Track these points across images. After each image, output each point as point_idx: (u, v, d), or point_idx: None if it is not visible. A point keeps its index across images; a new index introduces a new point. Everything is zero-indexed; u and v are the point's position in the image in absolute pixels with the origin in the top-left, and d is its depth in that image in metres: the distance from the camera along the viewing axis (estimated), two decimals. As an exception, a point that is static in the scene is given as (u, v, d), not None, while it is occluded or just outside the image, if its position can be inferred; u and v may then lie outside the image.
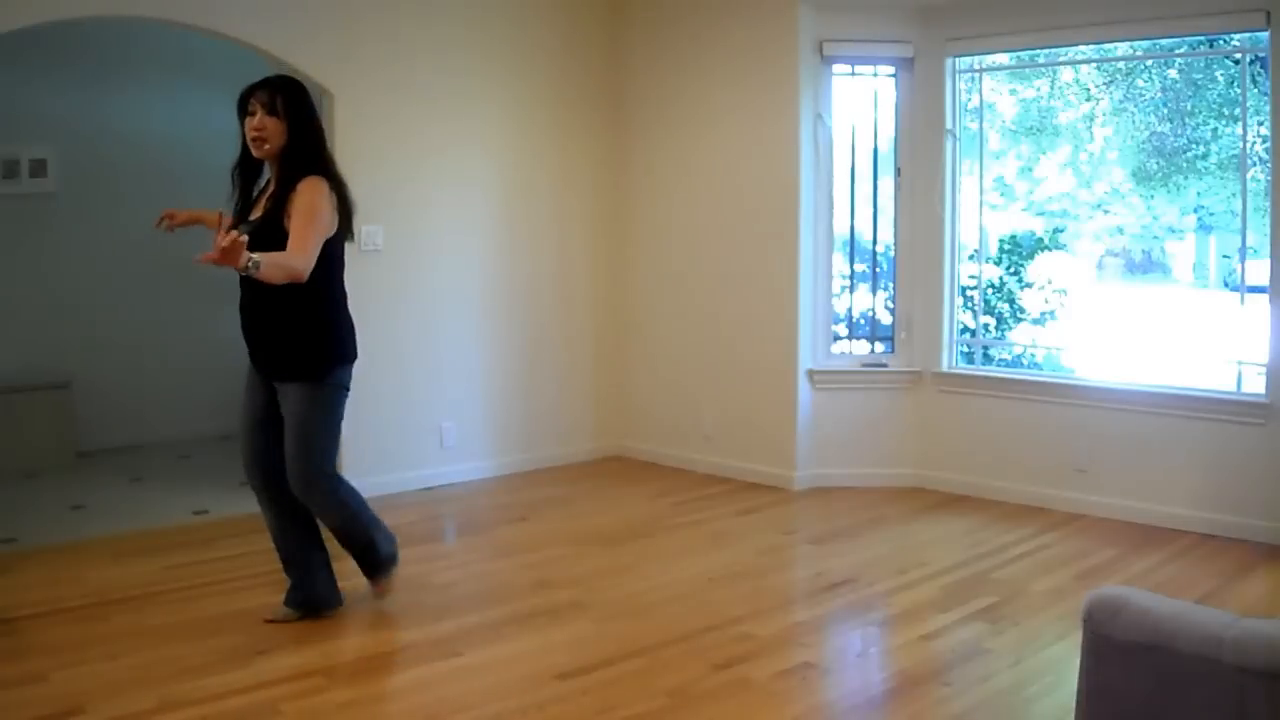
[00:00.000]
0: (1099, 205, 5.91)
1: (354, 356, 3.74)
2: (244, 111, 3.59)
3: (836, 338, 5.85)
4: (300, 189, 3.44)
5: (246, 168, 3.68)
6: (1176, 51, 5.31)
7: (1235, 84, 5.04)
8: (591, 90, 6.27)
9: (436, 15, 5.59)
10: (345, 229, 3.61)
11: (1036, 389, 5.37)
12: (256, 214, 3.60)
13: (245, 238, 3.19)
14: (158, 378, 6.80)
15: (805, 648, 3.57)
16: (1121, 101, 5.68)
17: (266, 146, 3.53)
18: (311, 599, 3.77)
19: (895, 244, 5.75)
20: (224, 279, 7.35)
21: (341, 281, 3.69)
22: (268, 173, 3.67)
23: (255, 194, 3.71)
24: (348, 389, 3.73)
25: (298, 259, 3.34)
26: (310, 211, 3.41)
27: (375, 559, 3.86)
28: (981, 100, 5.67)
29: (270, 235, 3.42)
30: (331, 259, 3.55)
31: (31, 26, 4.51)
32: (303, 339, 3.57)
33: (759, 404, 5.78)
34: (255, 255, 3.19)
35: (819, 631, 3.76)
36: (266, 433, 3.67)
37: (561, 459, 6.22)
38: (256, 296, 3.56)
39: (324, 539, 3.83)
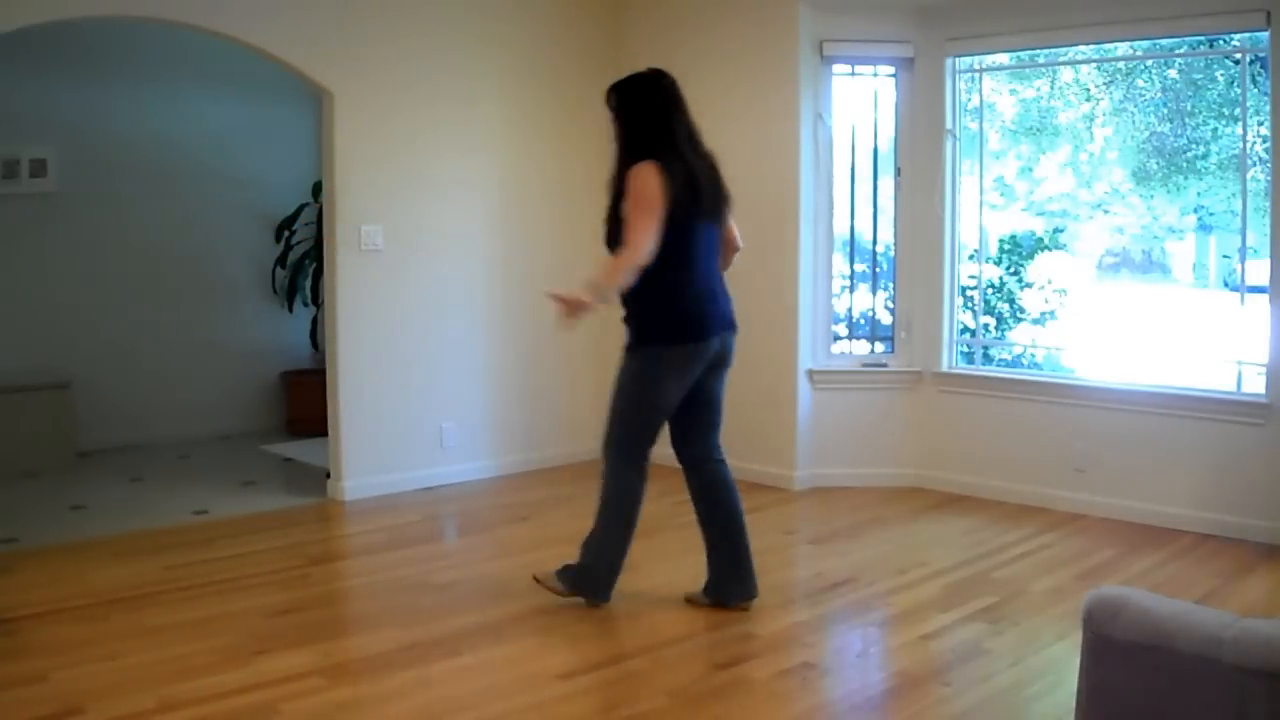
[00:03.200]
0: (1099, 205, 5.91)
1: (679, 340, 3.68)
2: None
3: (836, 338, 5.85)
4: (627, 179, 3.61)
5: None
6: (1176, 51, 5.31)
7: (1235, 84, 5.03)
8: (592, 89, 6.21)
9: (437, 16, 5.59)
10: (685, 211, 3.61)
11: (1036, 389, 5.37)
12: None
13: (560, 290, 3.51)
14: (158, 378, 6.80)
15: (805, 648, 3.57)
16: (1121, 101, 5.68)
17: (614, 143, 3.77)
18: (713, 587, 3.86)
19: (895, 244, 5.75)
20: (223, 279, 7.38)
21: (680, 265, 3.65)
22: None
23: None
24: (674, 372, 3.70)
25: (626, 250, 3.51)
26: (634, 197, 3.55)
27: (584, 569, 3.84)
28: (981, 100, 5.67)
29: (612, 223, 3.69)
30: (664, 241, 3.56)
31: (31, 26, 4.50)
32: (632, 312, 3.72)
33: (759, 404, 5.78)
34: (594, 282, 3.49)
35: (819, 631, 3.76)
36: (680, 414, 3.85)
37: (561, 459, 6.22)
38: None
39: (741, 531, 3.84)
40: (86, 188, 6.48)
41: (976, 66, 5.58)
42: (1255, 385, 4.77)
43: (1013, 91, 5.93)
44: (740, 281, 5.81)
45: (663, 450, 6.24)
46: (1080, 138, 5.87)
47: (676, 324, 3.64)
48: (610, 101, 3.76)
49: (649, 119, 3.68)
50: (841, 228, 5.80)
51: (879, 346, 5.85)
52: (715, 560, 3.88)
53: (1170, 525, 4.87)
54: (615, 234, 3.67)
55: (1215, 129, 5.31)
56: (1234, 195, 5.05)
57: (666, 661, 3.41)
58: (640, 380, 3.70)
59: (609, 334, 6.40)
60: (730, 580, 3.83)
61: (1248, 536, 4.66)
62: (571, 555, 4.55)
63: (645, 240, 3.50)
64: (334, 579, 4.37)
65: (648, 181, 3.55)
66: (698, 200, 3.64)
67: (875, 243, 5.82)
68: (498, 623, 3.75)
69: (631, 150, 3.67)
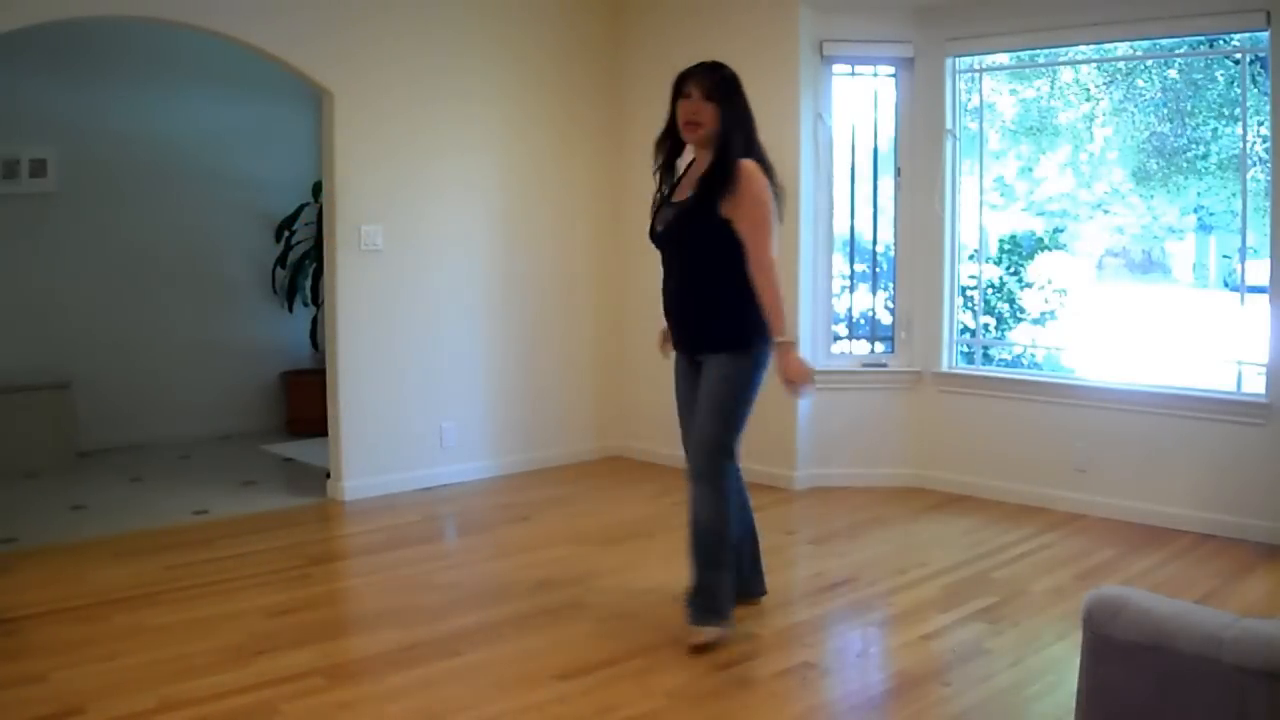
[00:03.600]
0: (1099, 205, 5.91)
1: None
2: (678, 94, 3.58)
3: (836, 338, 5.84)
4: (742, 179, 3.43)
5: (671, 147, 3.67)
6: (1176, 51, 5.31)
7: (1235, 84, 5.03)
8: (592, 89, 6.27)
9: (437, 16, 5.59)
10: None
11: (1036, 389, 5.37)
12: (683, 195, 3.60)
13: (790, 349, 3.46)
14: (158, 378, 6.80)
15: (805, 648, 3.57)
16: (1121, 101, 5.68)
17: (701, 131, 3.52)
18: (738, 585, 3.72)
19: (895, 244, 5.75)
20: (223, 279, 7.36)
21: None
22: (689, 153, 3.70)
23: (677, 174, 3.70)
24: (765, 368, 3.62)
25: (769, 276, 3.44)
26: (755, 203, 3.44)
27: (713, 597, 3.54)
28: (981, 100, 5.67)
29: (701, 217, 3.48)
30: None
31: (31, 26, 4.50)
32: (728, 312, 3.54)
33: (759, 404, 5.75)
34: (783, 330, 3.45)
35: (819, 631, 3.76)
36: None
37: (561, 459, 6.22)
38: (683, 277, 3.62)
39: (754, 530, 3.87)
40: (86, 188, 6.48)
41: (976, 66, 5.58)
42: (1255, 385, 4.77)
43: (1013, 91, 5.93)
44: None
45: (656, 450, 6.27)
46: (1080, 138, 5.87)
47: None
48: (704, 88, 3.50)
49: (748, 114, 3.56)
50: (841, 228, 5.80)
51: (879, 346, 5.85)
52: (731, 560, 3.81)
53: (1170, 525, 4.87)
54: (695, 228, 3.51)
55: (1215, 129, 5.31)
56: (1234, 195, 5.05)
57: (666, 661, 3.41)
58: (751, 381, 3.56)
59: (609, 335, 6.41)
60: (749, 579, 3.85)
61: (1248, 536, 4.66)
62: (571, 554, 4.56)
63: (773, 256, 3.47)
64: (334, 579, 4.37)
65: (764, 187, 3.46)
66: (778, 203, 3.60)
67: (875, 243, 5.81)
68: (498, 623, 3.75)
69: (732, 146, 3.48)
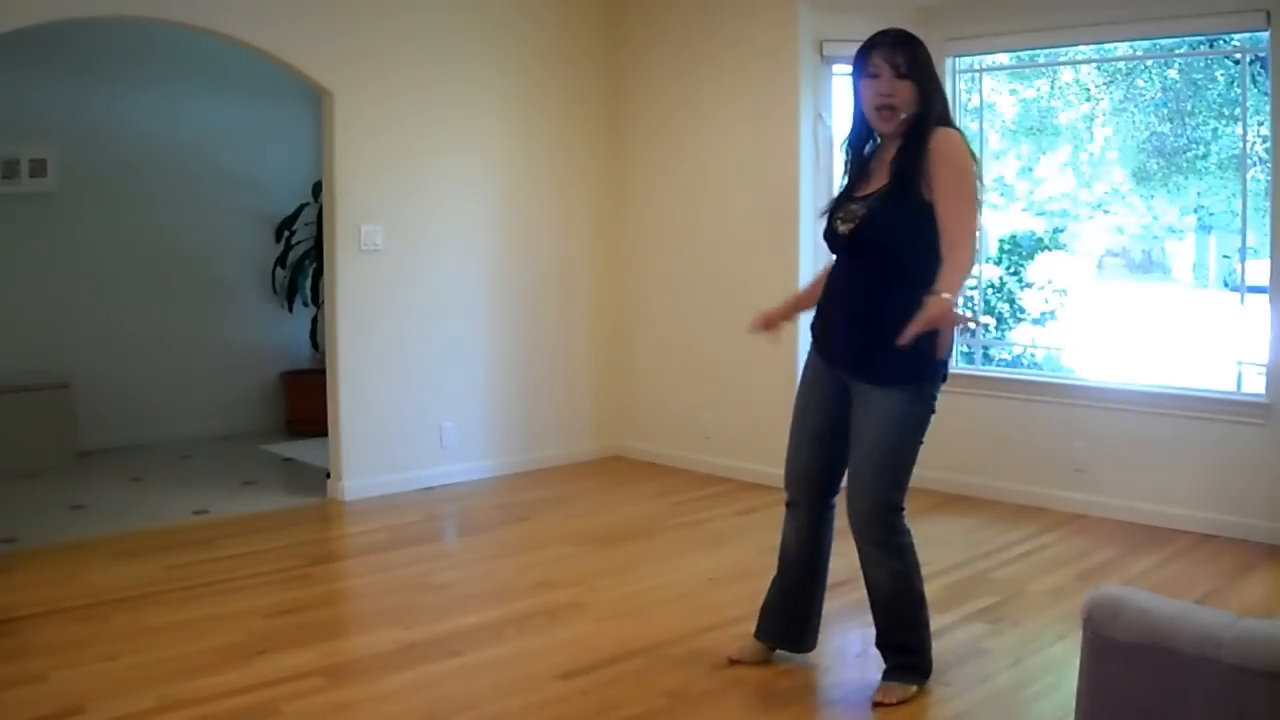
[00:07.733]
0: (1099, 205, 5.91)
1: (944, 369, 3.06)
2: (862, 72, 3.06)
3: (836, 338, 5.83)
4: (939, 146, 2.89)
5: (857, 138, 3.12)
6: (1176, 51, 5.31)
7: (1235, 84, 5.03)
8: (592, 90, 6.27)
9: (437, 17, 5.59)
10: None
11: (1036, 389, 5.37)
12: (872, 187, 3.03)
13: (945, 296, 2.73)
14: (158, 378, 6.80)
15: (805, 648, 3.56)
16: (1121, 101, 5.68)
17: (900, 116, 2.98)
18: (796, 637, 3.38)
19: (895, 244, 5.74)
20: (223, 279, 7.35)
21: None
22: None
23: (860, 167, 3.12)
24: (934, 409, 3.12)
25: (965, 250, 2.83)
26: (962, 176, 2.87)
27: (914, 654, 3.19)
28: (981, 100, 5.67)
29: (898, 209, 2.94)
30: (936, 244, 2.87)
31: (31, 26, 4.51)
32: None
33: (759, 404, 5.78)
34: (943, 293, 2.73)
35: (819, 631, 3.75)
36: (831, 447, 3.20)
37: (561, 459, 6.22)
38: (868, 287, 3.04)
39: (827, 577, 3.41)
40: (86, 188, 6.48)
41: (976, 66, 5.58)
42: (1255, 385, 4.77)
43: (1013, 91, 5.93)
44: (740, 281, 5.84)
45: (656, 450, 6.27)
46: (1080, 138, 5.87)
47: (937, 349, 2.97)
48: (896, 64, 3.00)
49: (942, 90, 3.09)
50: (841, 228, 5.79)
51: (879, 346, 5.83)
52: (819, 608, 3.39)
53: (1170, 525, 4.87)
54: (890, 225, 2.96)
55: (1215, 129, 5.31)
56: (1234, 195, 5.05)
57: (666, 661, 3.41)
58: (925, 425, 3.10)
59: (609, 336, 6.41)
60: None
61: (1248, 536, 4.66)
62: (571, 554, 4.56)
63: (976, 239, 2.93)
64: (334, 579, 4.37)
65: (969, 159, 2.92)
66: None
67: (875, 243, 5.80)
68: (498, 623, 3.75)
69: (927, 120, 2.96)
